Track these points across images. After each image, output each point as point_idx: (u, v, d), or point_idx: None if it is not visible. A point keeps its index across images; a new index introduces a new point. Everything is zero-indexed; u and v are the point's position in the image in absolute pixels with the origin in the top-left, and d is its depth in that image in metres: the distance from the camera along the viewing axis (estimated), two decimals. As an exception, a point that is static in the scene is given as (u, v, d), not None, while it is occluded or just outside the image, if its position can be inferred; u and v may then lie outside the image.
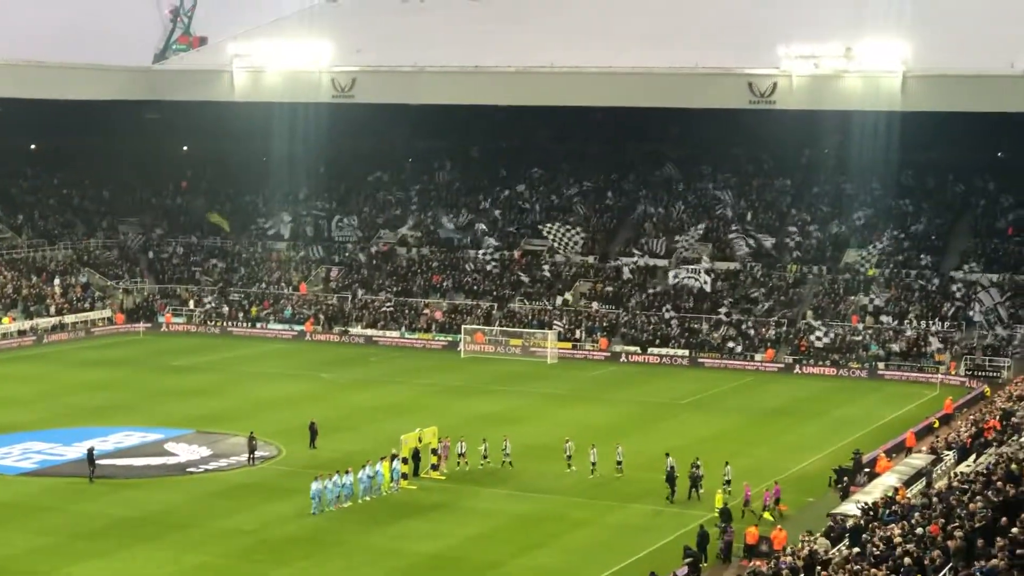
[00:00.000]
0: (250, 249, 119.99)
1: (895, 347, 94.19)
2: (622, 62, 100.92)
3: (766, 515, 54.51)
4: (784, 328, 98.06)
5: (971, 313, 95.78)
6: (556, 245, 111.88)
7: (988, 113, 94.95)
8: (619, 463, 60.58)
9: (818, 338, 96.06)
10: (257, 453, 62.88)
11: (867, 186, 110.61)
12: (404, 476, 58.67)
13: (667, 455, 58.31)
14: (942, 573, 32.13)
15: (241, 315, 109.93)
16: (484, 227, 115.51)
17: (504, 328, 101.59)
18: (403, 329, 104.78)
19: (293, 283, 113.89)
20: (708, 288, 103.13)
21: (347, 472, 55.81)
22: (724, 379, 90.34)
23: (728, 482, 57.28)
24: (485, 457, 62.20)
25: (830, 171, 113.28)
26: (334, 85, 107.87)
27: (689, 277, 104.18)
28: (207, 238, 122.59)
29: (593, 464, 60.80)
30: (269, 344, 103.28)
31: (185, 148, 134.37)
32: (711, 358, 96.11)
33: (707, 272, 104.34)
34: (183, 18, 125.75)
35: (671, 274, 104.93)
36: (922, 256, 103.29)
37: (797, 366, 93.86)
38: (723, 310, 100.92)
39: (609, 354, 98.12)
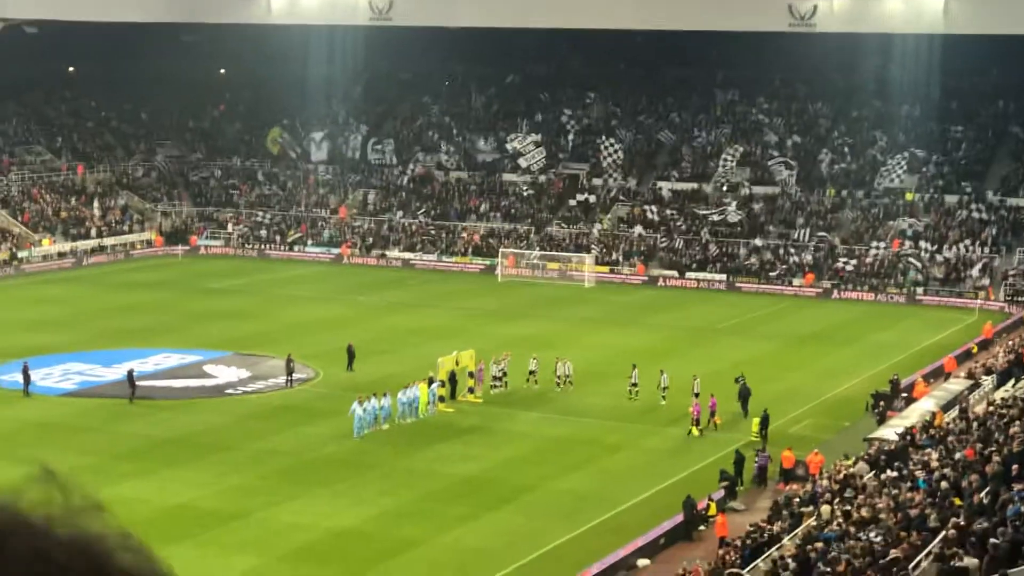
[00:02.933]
0: (287, 172, 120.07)
1: (934, 272, 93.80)
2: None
3: (694, 430, 55.02)
4: (822, 252, 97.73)
5: (1011, 238, 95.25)
6: (593, 169, 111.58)
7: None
8: (664, 389, 60.27)
9: (853, 263, 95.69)
10: (295, 375, 63.17)
11: (908, 110, 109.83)
12: (441, 399, 58.89)
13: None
14: (979, 496, 32.11)
15: (279, 238, 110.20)
16: (525, 148, 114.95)
17: (542, 252, 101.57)
18: (440, 252, 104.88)
19: (331, 206, 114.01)
20: (741, 220, 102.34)
21: (384, 395, 56.03)
22: (761, 304, 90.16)
23: (665, 389, 59.19)
24: (533, 372, 62.31)
25: (870, 95, 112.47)
26: (371, 7, 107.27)
27: (720, 214, 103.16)
28: (248, 160, 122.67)
29: (634, 385, 60.75)
30: (306, 267, 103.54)
31: (223, 71, 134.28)
32: (749, 283, 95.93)
33: (741, 206, 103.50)
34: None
35: (709, 212, 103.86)
36: (963, 181, 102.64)
37: (835, 291, 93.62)
38: (760, 238, 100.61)
39: (647, 278, 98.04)
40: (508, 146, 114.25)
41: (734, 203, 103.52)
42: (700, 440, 54.78)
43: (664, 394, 60.09)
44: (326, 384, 63.68)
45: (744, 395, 58.37)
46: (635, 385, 60.94)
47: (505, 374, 62.37)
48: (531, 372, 62.64)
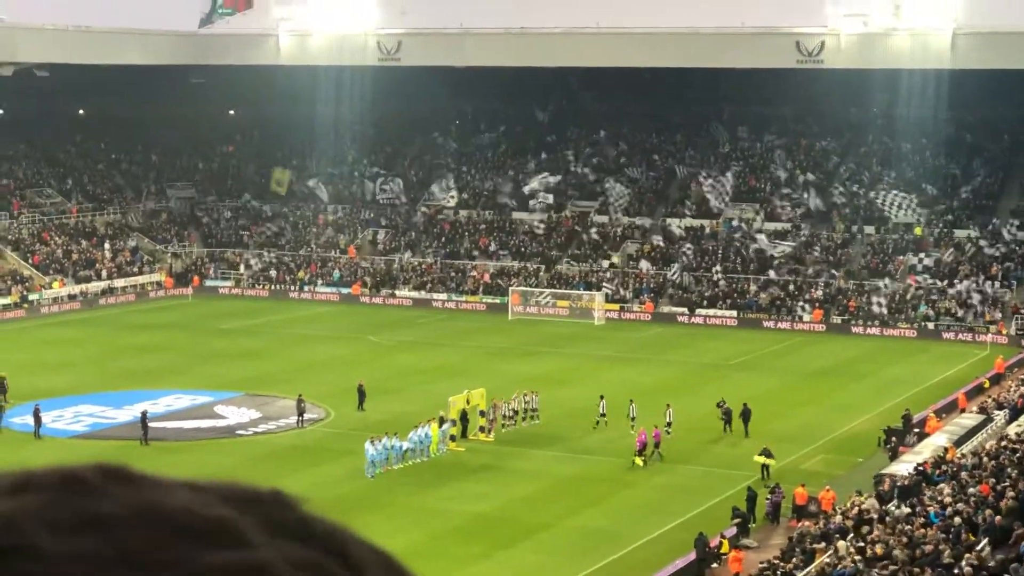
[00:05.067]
0: (297, 212, 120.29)
1: (944, 307, 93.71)
2: (668, 22, 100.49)
3: (637, 460, 55.42)
4: (833, 288, 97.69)
5: (1022, 272, 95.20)
6: (603, 207, 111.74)
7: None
8: (668, 424, 60.45)
9: (866, 298, 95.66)
10: (306, 415, 63.17)
11: (916, 145, 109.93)
12: (452, 438, 58.83)
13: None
14: (994, 532, 32.02)
15: (289, 278, 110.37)
16: (532, 188, 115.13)
17: (552, 290, 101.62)
18: (450, 291, 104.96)
19: (340, 246, 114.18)
20: (778, 252, 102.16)
21: (395, 434, 56.01)
22: (772, 340, 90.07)
23: (633, 419, 60.21)
24: (526, 412, 62.65)
25: (878, 130, 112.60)
26: (380, 48, 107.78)
27: (771, 244, 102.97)
28: (256, 200, 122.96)
29: (633, 419, 60.90)
30: (317, 307, 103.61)
31: (232, 112, 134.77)
32: (759, 319, 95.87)
33: (782, 236, 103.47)
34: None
35: (761, 239, 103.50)
36: (972, 215, 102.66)
37: (846, 326, 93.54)
38: (771, 272, 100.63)
39: (657, 315, 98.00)
40: (525, 188, 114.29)
41: (776, 240, 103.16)
42: (711, 476, 54.68)
43: (668, 429, 60.18)
44: (337, 424, 63.66)
45: (728, 417, 60.37)
46: (603, 415, 61.64)
47: (531, 410, 62.65)
48: (528, 410, 63.03)
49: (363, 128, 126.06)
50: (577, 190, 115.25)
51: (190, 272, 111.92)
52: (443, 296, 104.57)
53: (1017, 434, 45.17)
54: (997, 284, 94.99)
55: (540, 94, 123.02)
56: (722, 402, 62.03)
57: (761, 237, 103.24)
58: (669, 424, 60.38)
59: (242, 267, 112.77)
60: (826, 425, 63.89)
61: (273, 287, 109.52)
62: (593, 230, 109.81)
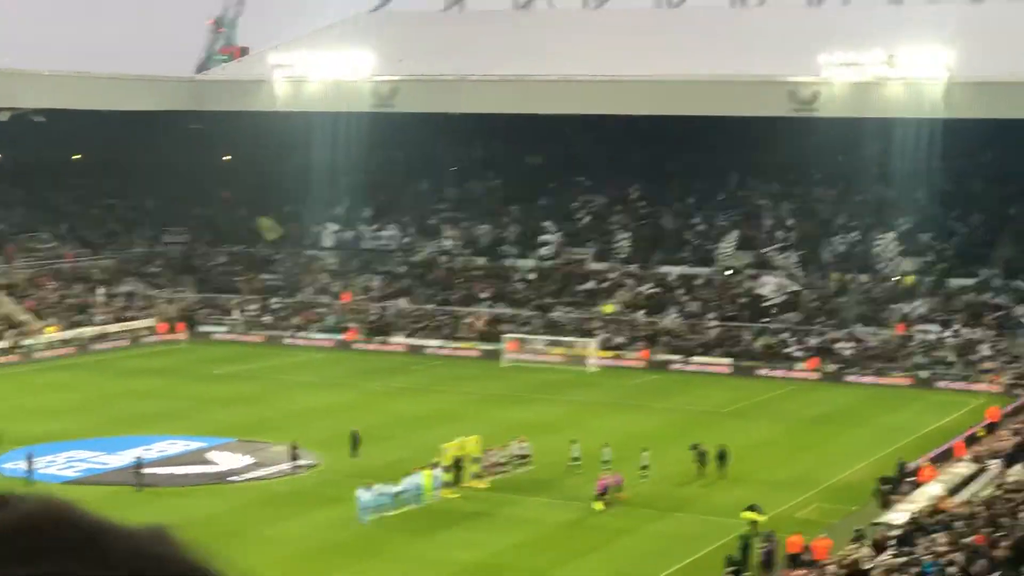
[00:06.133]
0: (292, 259, 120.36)
1: (939, 355, 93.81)
2: (665, 70, 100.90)
3: (597, 505, 55.74)
4: (828, 336, 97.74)
5: (1015, 320, 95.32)
6: (599, 253, 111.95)
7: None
8: (644, 467, 60.84)
9: (861, 346, 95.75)
10: (299, 462, 63.06)
11: (910, 194, 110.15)
12: (447, 485, 58.72)
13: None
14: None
15: (283, 324, 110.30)
16: (529, 235, 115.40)
17: (546, 337, 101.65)
18: (444, 338, 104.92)
19: (335, 292, 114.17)
20: (780, 295, 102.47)
21: (389, 481, 55.93)
22: (767, 388, 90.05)
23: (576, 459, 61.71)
24: (519, 458, 62.69)
25: (872, 179, 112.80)
26: (375, 94, 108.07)
27: (774, 291, 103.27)
28: (252, 246, 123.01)
29: (575, 459, 61.90)
30: (311, 353, 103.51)
31: (227, 158, 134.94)
32: (754, 366, 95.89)
33: (781, 286, 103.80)
34: (225, 28, 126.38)
35: (762, 282, 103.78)
36: (965, 264, 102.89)
37: (841, 374, 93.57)
38: (766, 319, 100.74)
39: (651, 363, 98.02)
40: (540, 240, 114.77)
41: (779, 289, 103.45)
42: (705, 524, 54.57)
43: (577, 464, 61.74)
44: (331, 470, 63.50)
45: (702, 459, 61.44)
46: (576, 459, 62.28)
47: (524, 457, 62.74)
48: (521, 456, 63.09)
49: (358, 174, 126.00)
50: (573, 237, 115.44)
51: (184, 317, 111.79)
52: (437, 343, 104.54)
53: (1011, 483, 45.14)
54: (991, 333, 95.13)
55: (537, 141, 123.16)
56: (696, 445, 62.54)
57: (755, 285, 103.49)
58: (645, 467, 60.80)
59: (236, 312, 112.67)
60: (820, 473, 63.83)
61: (267, 333, 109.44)
62: (589, 276, 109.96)
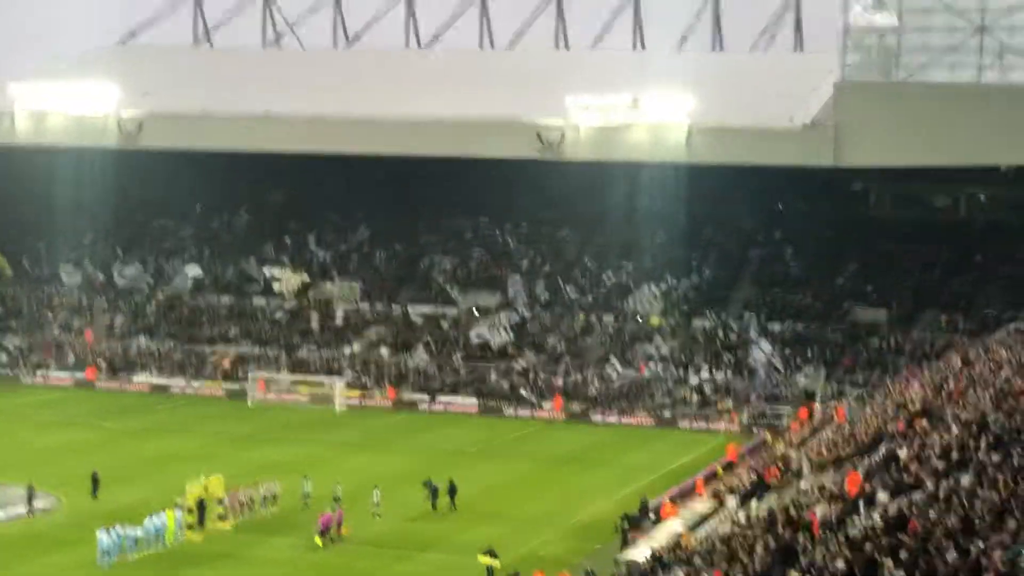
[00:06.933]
0: (32, 295, 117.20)
1: (681, 395, 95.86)
2: (414, 111, 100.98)
3: (317, 540, 56.53)
4: (573, 376, 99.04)
5: (752, 362, 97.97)
6: (346, 293, 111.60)
7: (769, 166, 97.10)
8: (376, 504, 61.70)
9: (606, 386, 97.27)
10: (36, 504, 61.37)
11: (653, 237, 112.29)
12: (190, 527, 57.79)
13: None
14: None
15: (21, 362, 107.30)
16: (273, 274, 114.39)
17: (293, 376, 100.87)
18: (189, 377, 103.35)
19: (77, 330, 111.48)
20: (506, 339, 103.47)
21: (130, 523, 54.81)
22: (513, 427, 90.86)
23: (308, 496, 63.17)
24: (264, 499, 62.29)
25: (618, 222, 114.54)
26: (120, 129, 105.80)
27: (491, 329, 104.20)
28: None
29: (337, 500, 62.08)
30: (50, 392, 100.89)
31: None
32: (500, 406, 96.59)
33: (506, 327, 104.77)
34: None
35: (473, 332, 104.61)
36: (707, 305, 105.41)
37: (586, 414, 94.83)
38: (512, 360, 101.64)
39: (399, 402, 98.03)
40: (266, 272, 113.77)
41: (495, 328, 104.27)
42: (449, 564, 54.72)
43: (307, 502, 62.62)
44: (70, 512, 61.97)
45: (435, 494, 62.86)
46: (307, 495, 63.30)
47: (271, 498, 62.27)
48: (267, 497, 62.69)
49: (102, 210, 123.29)
50: (318, 276, 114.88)
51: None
52: (182, 382, 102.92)
53: (746, 519, 46.28)
54: (730, 373, 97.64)
55: (284, 178, 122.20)
56: (428, 481, 63.53)
57: (487, 326, 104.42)
58: (337, 499, 61.39)
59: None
60: (565, 511, 64.60)
61: (4, 371, 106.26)
62: (336, 315, 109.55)
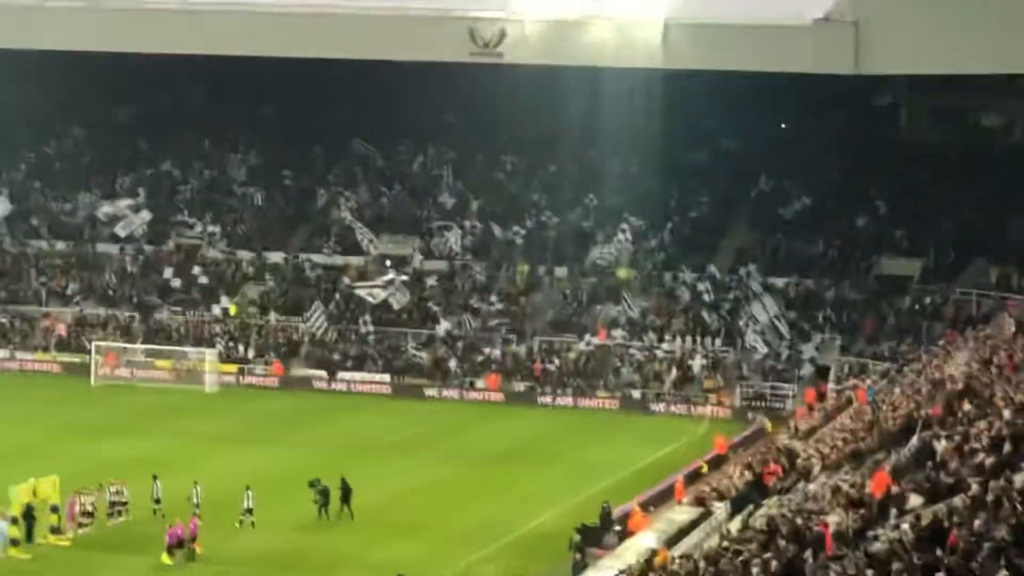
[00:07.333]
0: None
1: (654, 371, 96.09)
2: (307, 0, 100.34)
3: (164, 558, 56.67)
4: (513, 346, 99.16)
5: (747, 327, 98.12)
6: (217, 238, 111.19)
7: (769, 75, 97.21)
8: (196, 506, 61.09)
9: (557, 360, 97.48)
10: None
11: (621, 165, 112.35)
12: (14, 542, 57.57)
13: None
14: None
15: None
16: (109, 212, 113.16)
17: (150, 346, 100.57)
18: (13, 347, 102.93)
19: None
20: (405, 303, 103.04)
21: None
22: (437, 412, 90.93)
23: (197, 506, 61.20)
24: (112, 507, 61.97)
25: (574, 145, 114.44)
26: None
27: (377, 290, 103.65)
28: None
29: (197, 506, 61.43)
30: None
31: None
32: (421, 385, 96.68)
33: (407, 282, 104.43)
34: None
35: (363, 292, 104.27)
36: (688, 255, 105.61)
37: (531, 395, 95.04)
38: (438, 324, 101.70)
39: (288, 380, 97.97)
40: (100, 212, 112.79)
41: (395, 280, 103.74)
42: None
43: (159, 509, 61.91)
44: None
45: (325, 498, 62.54)
46: (158, 502, 62.51)
47: (119, 505, 62.04)
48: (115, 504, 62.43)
49: None
50: (182, 217, 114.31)
51: None
52: (3, 353, 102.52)
53: (740, 531, 46.51)
54: (718, 342, 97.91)
55: (136, 89, 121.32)
56: (316, 481, 63.35)
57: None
58: (197, 506, 61.06)
59: None
60: (506, 522, 64.66)
61: None
62: (203, 269, 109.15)
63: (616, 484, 71.03)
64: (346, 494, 63.44)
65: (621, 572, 46.26)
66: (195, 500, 61.21)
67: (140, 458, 73.66)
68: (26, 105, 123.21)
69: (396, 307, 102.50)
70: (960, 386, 57.00)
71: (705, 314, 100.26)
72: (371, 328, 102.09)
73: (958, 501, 36.21)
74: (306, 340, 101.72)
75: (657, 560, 48.33)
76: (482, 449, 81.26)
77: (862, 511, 40.68)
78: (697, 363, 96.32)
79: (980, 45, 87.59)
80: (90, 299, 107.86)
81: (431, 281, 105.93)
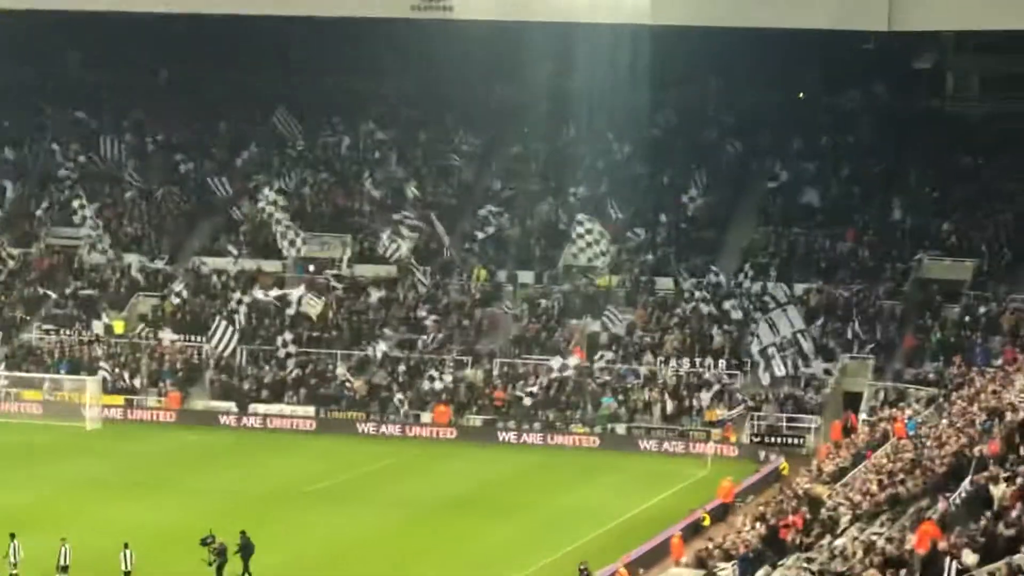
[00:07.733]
0: None
1: (643, 400, 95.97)
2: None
3: None
4: (467, 370, 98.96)
5: (759, 344, 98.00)
6: (97, 237, 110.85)
7: (786, 33, 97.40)
8: (14, 564, 60.75)
9: (524, 387, 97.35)
10: None
11: (601, 143, 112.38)
12: None
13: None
14: None
15: None
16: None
17: (14, 373, 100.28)
18: None
19: None
20: (319, 310, 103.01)
21: None
22: (372, 452, 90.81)
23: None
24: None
25: (541, 120, 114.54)
26: None
27: (307, 302, 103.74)
28: None
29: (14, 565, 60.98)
30: None
31: None
32: (353, 419, 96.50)
33: (335, 288, 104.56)
34: None
35: (293, 296, 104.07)
36: (685, 254, 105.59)
37: (490, 430, 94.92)
38: (375, 344, 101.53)
39: (187, 414, 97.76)
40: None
41: (312, 299, 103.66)
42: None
43: (15, 573, 61.05)
44: None
45: (222, 556, 61.68)
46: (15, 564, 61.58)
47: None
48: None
49: None
50: (52, 209, 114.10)
51: None
52: None
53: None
54: (723, 364, 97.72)
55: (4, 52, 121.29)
56: (210, 538, 62.71)
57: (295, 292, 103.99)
58: (15, 564, 60.66)
59: None
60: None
61: None
62: (82, 274, 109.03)
63: (596, 540, 70.91)
64: (247, 553, 62.72)
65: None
66: (13, 560, 60.43)
67: (5, 509, 73.32)
68: None
69: (313, 315, 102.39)
70: (1022, 416, 56.90)
71: (706, 329, 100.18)
72: (291, 349, 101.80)
73: (1021, 558, 36.10)
74: (210, 364, 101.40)
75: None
76: (429, 497, 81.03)
77: (903, 572, 40.56)
78: (697, 390, 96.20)
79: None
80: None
81: (369, 291, 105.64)
